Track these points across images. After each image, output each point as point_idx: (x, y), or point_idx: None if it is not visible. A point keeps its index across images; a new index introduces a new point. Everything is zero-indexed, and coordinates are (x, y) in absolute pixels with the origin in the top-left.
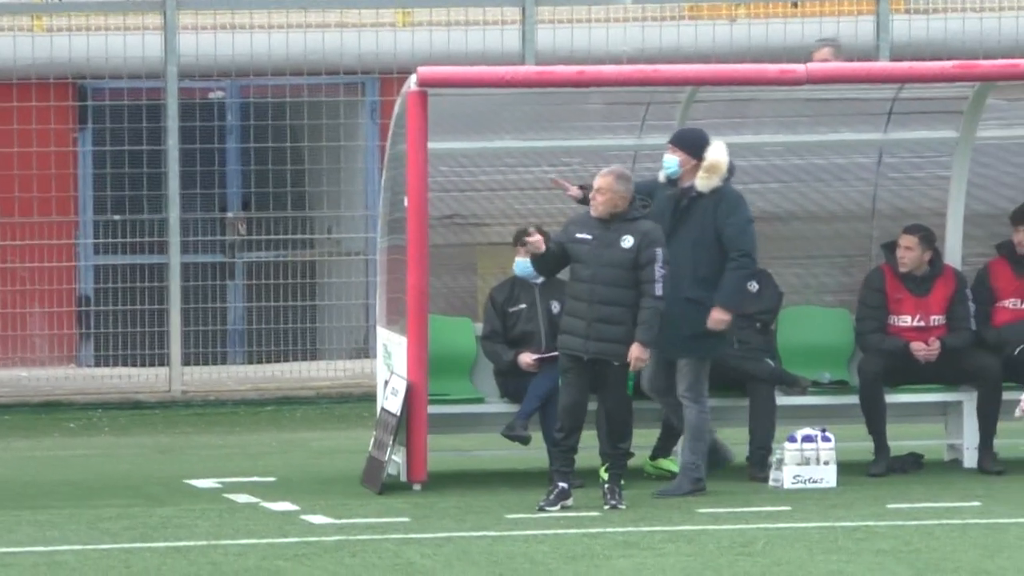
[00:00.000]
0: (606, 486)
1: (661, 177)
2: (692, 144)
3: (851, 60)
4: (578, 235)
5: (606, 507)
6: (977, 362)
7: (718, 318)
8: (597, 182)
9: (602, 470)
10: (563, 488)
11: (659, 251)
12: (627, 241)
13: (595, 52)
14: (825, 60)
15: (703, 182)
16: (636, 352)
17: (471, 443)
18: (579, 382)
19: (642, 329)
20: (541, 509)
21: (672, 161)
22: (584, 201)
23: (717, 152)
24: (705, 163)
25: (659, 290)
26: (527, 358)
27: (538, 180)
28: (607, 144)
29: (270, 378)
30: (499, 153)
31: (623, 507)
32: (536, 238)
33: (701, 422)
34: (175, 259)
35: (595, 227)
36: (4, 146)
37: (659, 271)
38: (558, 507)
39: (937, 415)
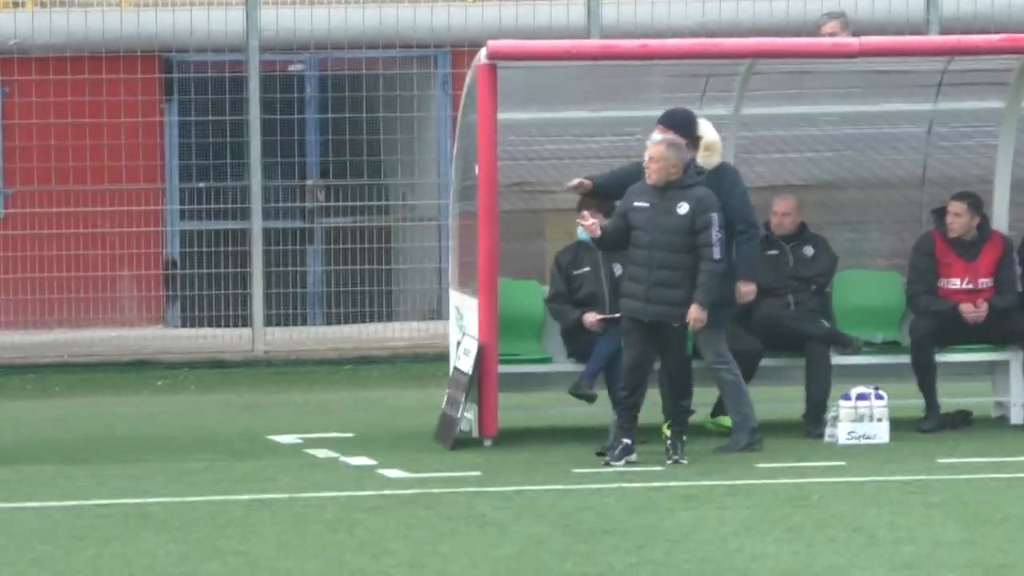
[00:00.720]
0: (669, 442)
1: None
2: (684, 124)
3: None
4: (636, 203)
5: (668, 462)
6: (1023, 323)
7: (747, 290)
8: (650, 151)
9: (665, 427)
10: (627, 444)
11: (714, 216)
12: (683, 208)
13: (657, 26)
14: (833, 34)
15: (706, 160)
16: (695, 313)
17: (539, 401)
18: (641, 343)
19: (700, 291)
20: (606, 464)
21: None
22: (594, 193)
23: (710, 130)
24: (705, 141)
25: (716, 254)
26: (592, 318)
27: (603, 149)
28: None
29: (348, 338)
30: (565, 123)
31: (685, 462)
32: (591, 223)
33: (736, 380)
34: (257, 224)
35: (652, 195)
36: (94, 117)
37: (715, 235)
38: (622, 462)
39: (985, 374)
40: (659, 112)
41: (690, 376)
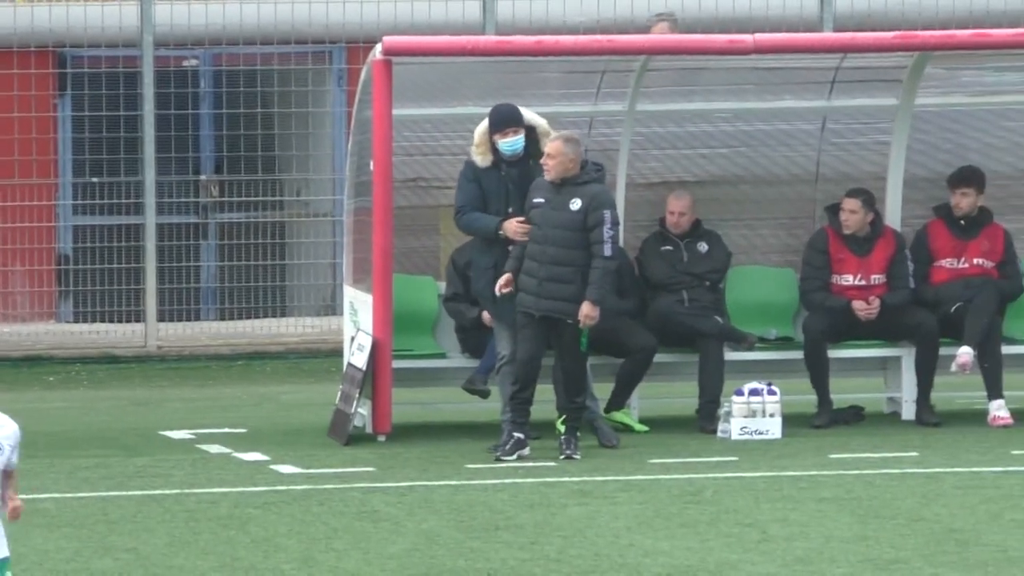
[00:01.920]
0: (562, 438)
1: (481, 161)
2: (520, 119)
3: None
4: (535, 199)
5: (562, 457)
6: (915, 319)
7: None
8: (548, 147)
9: (559, 423)
10: (519, 438)
11: (606, 213)
12: (575, 204)
13: (553, 22)
14: (663, 34)
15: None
16: (586, 310)
17: (433, 396)
18: (534, 338)
19: (592, 288)
20: (498, 459)
21: (518, 140)
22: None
23: (537, 118)
24: (543, 129)
25: (608, 250)
26: (489, 315)
27: None
28: (564, 111)
29: (241, 334)
30: (461, 119)
31: (578, 457)
32: (508, 288)
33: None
34: (150, 220)
35: (548, 191)
36: None
37: (607, 232)
38: (515, 456)
39: (877, 370)
40: (555, 108)
41: (584, 372)
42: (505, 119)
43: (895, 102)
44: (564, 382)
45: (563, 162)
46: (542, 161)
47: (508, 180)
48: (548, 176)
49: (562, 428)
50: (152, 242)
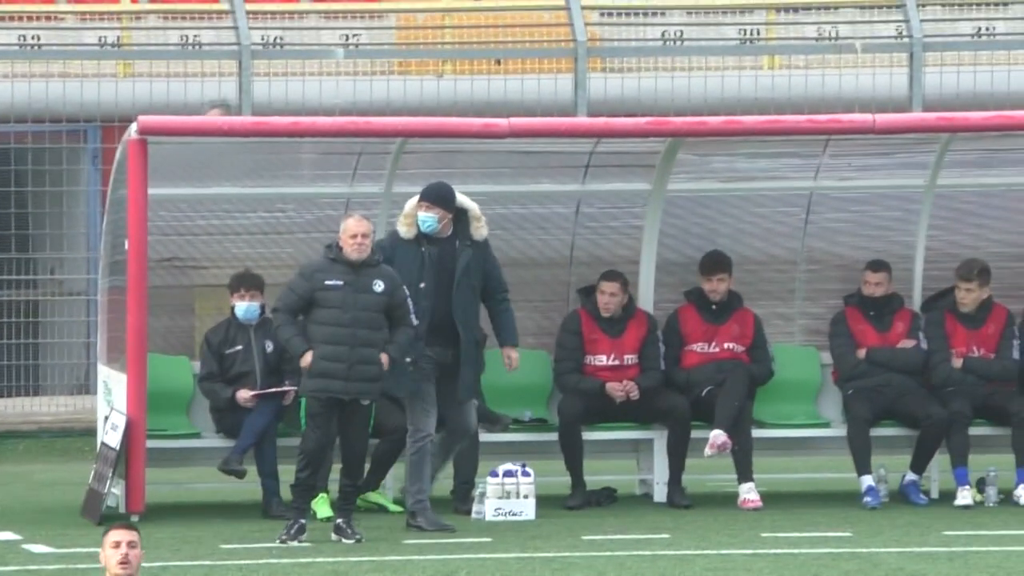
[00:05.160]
0: (339, 520)
1: (405, 233)
2: (446, 199)
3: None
4: (328, 282)
5: (348, 540)
6: (668, 402)
7: (515, 356)
8: (360, 227)
9: (322, 503)
10: (303, 523)
11: (405, 288)
12: (379, 285)
13: (309, 104)
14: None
15: (480, 232)
16: (386, 361)
17: (188, 476)
18: (329, 425)
19: (395, 347)
20: (283, 542)
21: (431, 218)
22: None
23: (470, 202)
24: (474, 213)
25: (415, 320)
26: (245, 394)
27: (254, 225)
28: (320, 191)
29: None
30: (217, 199)
31: (357, 538)
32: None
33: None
34: None
35: (345, 273)
36: None
37: (411, 304)
38: (296, 541)
39: (630, 452)
40: (311, 189)
41: (365, 453)
42: (426, 193)
43: (648, 187)
44: (350, 462)
45: (369, 244)
46: (347, 241)
47: (426, 256)
48: (357, 255)
49: (331, 512)
50: None
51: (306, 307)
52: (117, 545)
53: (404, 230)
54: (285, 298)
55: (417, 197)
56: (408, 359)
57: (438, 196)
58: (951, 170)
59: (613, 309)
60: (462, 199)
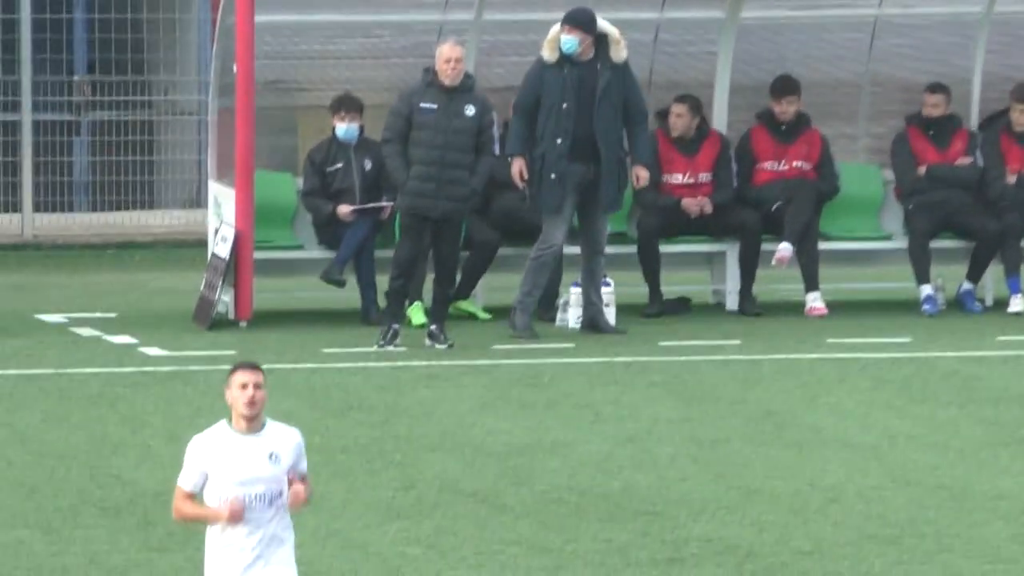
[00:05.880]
0: (433, 326)
1: (548, 57)
2: (586, 23)
3: None
4: (423, 104)
5: (440, 346)
6: (739, 217)
7: (646, 175)
8: (454, 52)
9: (416, 311)
10: (397, 329)
11: (495, 115)
12: (470, 109)
13: None
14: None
15: (620, 54)
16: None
17: (291, 285)
18: (420, 239)
19: (478, 178)
20: (380, 347)
21: (572, 40)
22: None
23: (610, 27)
24: (614, 37)
25: (497, 149)
26: (345, 209)
27: (352, 50)
28: (415, 19)
29: (112, 225)
30: (319, 25)
31: (449, 343)
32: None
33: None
34: (27, 117)
35: (439, 97)
36: None
37: (496, 132)
38: (392, 345)
39: (704, 264)
40: (406, 17)
41: (457, 266)
42: (568, 17)
43: (722, 15)
44: (441, 273)
45: (463, 68)
46: (439, 66)
47: (568, 78)
48: (450, 81)
49: (426, 318)
50: (28, 138)
51: (410, 127)
52: (244, 387)
53: (547, 54)
54: (392, 126)
55: (560, 22)
56: (552, 175)
57: (579, 19)
58: None
59: (680, 128)
60: (603, 23)
